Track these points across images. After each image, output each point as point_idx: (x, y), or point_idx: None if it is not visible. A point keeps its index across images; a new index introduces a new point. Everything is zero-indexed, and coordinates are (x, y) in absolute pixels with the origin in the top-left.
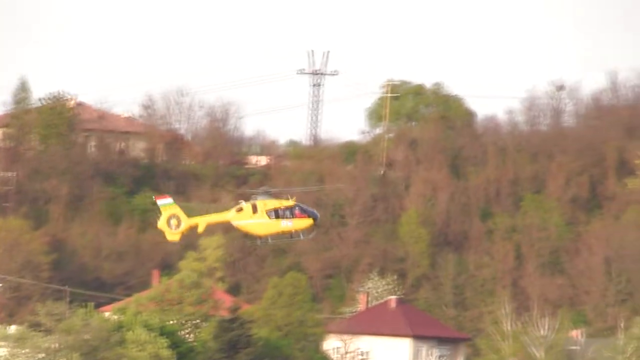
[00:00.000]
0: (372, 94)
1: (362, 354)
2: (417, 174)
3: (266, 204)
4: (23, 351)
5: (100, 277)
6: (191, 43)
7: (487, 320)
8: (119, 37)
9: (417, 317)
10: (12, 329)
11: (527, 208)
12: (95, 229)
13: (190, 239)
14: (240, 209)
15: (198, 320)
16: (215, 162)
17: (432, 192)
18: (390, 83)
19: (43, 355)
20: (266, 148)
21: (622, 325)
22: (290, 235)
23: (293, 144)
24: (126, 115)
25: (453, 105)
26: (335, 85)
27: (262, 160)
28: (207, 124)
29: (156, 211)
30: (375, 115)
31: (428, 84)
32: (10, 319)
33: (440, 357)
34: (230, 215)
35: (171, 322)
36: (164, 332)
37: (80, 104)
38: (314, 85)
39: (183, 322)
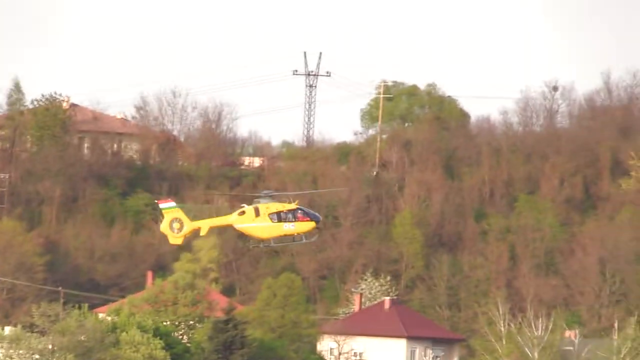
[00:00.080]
0: (365, 95)
1: (356, 355)
2: (411, 174)
3: (268, 207)
4: (18, 352)
5: (94, 278)
6: (184, 44)
7: (482, 320)
8: (113, 38)
9: (411, 317)
10: (7, 330)
11: (522, 209)
12: (89, 230)
13: (185, 240)
14: (243, 212)
15: (192, 322)
16: (208, 163)
17: (426, 193)
18: (384, 84)
19: (38, 356)
20: (260, 149)
21: (616, 325)
22: (292, 238)
23: (287, 145)
24: (120, 116)
25: (447, 106)
26: (328, 87)
27: (256, 162)
28: (200, 125)
29: (149, 212)
30: (369, 116)
31: (422, 84)
32: (4, 320)
33: (434, 357)
34: (232, 219)
35: (165, 323)
36: (158, 333)
37: (74, 106)
38: (307, 86)
39: (177, 323)
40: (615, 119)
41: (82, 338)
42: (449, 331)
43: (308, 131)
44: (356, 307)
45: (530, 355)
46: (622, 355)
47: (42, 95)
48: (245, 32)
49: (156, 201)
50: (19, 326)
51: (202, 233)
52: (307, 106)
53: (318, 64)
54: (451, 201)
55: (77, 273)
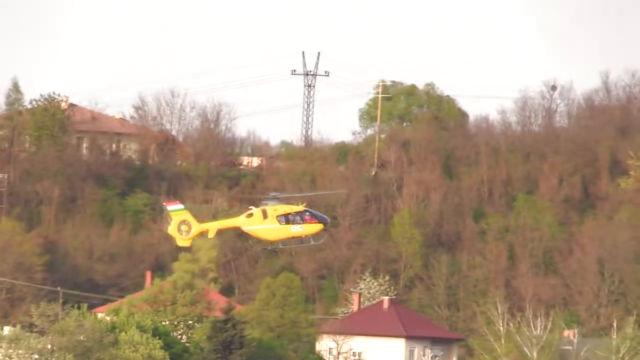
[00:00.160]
0: (364, 94)
1: (355, 355)
2: (409, 174)
3: (276, 209)
4: (17, 352)
5: (93, 278)
6: (183, 44)
7: (480, 320)
8: (111, 38)
9: (410, 317)
10: (6, 330)
11: (520, 208)
12: (88, 230)
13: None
14: (251, 215)
15: (191, 321)
16: (207, 163)
17: (425, 192)
18: (383, 84)
19: (37, 356)
20: (258, 149)
21: (615, 325)
22: (300, 240)
23: (285, 145)
24: (118, 116)
25: (445, 105)
26: (327, 86)
27: (255, 161)
28: (199, 125)
29: (148, 212)
30: (368, 115)
31: (420, 84)
32: (4, 320)
33: (433, 357)
34: (240, 221)
35: (164, 323)
36: (157, 333)
37: (72, 106)
38: (306, 86)
39: (176, 323)
40: (613, 119)
41: (81, 338)
42: (448, 331)
43: (306, 131)
44: (355, 307)
45: (529, 354)
46: (620, 355)
47: (41, 95)
48: (244, 32)
49: (164, 203)
50: (18, 326)
51: (210, 235)
52: (305, 106)
53: (316, 64)
54: (450, 201)
55: (76, 273)
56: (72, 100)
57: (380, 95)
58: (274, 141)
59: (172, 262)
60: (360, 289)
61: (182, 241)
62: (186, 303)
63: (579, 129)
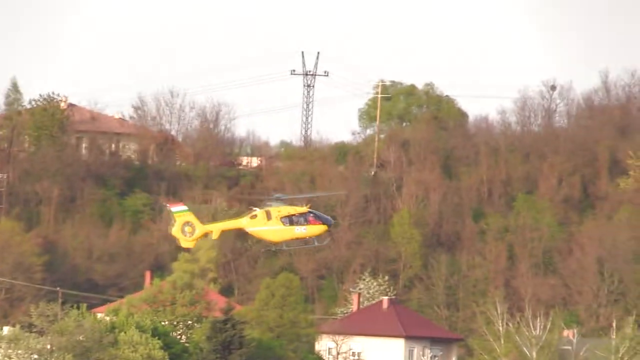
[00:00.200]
0: (363, 94)
1: (354, 355)
2: (409, 174)
3: (280, 210)
4: (16, 352)
5: (93, 278)
6: (182, 44)
7: (480, 320)
8: (111, 38)
9: (409, 317)
10: (6, 330)
11: (520, 208)
12: (87, 230)
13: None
14: (255, 216)
15: (191, 321)
16: (206, 163)
17: (424, 192)
18: (382, 83)
19: (36, 356)
20: (258, 149)
21: (614, 325)
22: (304, 241)
23: (285, 145)
24: (118, 116)
25: (445, 105)
26: (326, 86)
27: (254, 162)
28: (198, 125)
29: (147, 212)
30: (367, 115)
31: (420, 84)
32: (3, 320)
33: (432, 357)
34: (244, 222)
35: (164, 323)
36: (156, 333)
37: (71, 106)
38: (305, 86)
39: (176, 323)
40: (613, 118)
41: (81, 338)
42: (447, 331)
43: (306, 131)
44: (354, 307)
45: (528, 354)
46: (620, 355)
47: (40, 95)
48: (243, 32)
49: (168, 205)
50: (18, 326)
51: (214, 237)
52: (305, 106)
53: (316, 64)
54: (449, 201)
55: (76, 273)
56: (72, 100)
57: (379, 95)
58: (274, 141)
59: (172, 262)
60: (360, 289)
61: (185, 242)
62: (185, 303)
63: (578, 129)
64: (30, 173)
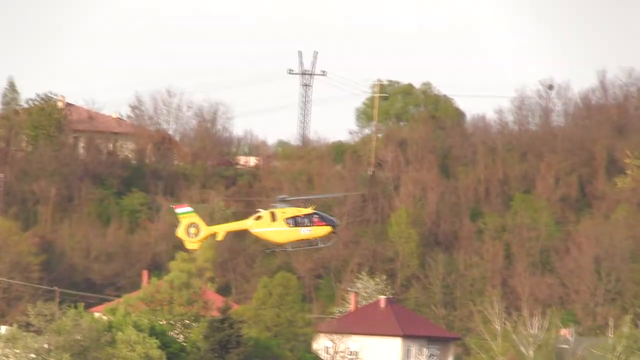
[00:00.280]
0: (361, 94)
1: (352, 354)
2: (406, 174)
3: (285, 211)
4: (14, 351)
5: (90, 277)
6: (179, 44)
7: (477, 319)
8: (108, 38)
9: (407, 316)
10: (3, 329)
11: (517, 207)
12: (85, 229)
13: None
14: (259, 217)
15: (188, 321)
16: (204, 162)
17: (422, 192)
18: (380, 83)
19: (34, 355)
20: (255, 148)
21: (611, 324)
22: (309, 242)
23: (282, 144)
24: (115, 116)
25: (442, 104)
26: (324, 86)
27: (251, 161)
28: (195, 124)
29: (145, 212)
30: (365, 115)
31: (417, 83)
32: (0, 319)
33: (430, 356)
34: (249, 223)
35: (161, 322)
36: (154, 332)
37: (69, 105)
38: (303, 85)
39: (173, 322)
40: (610, 118)
41: (78, 337)
42: (445, 330)
43: (303, 130)
44: (352, 306)
45: (525, 353)
46: (617, 354)
47: (37, 95)
48: (241, 32)
49: (172, 206)
50: (15, 325)
51: (219, 238)
52: (302, 105)
53: (313, 63)
54: (447, 200)
55: (73, 272)
56: (69, 99)
57: (377, 95)
58: (271, 140)
59: (169, 262)
60: (357, 288)
61: (190, 244)
62: (183, 302)
63: (575, 128)
64: (28, 172)
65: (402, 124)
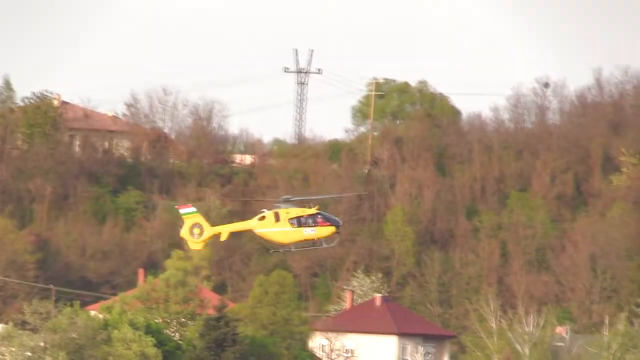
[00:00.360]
0: (357, 92)
1: (347, 352)
2: (402, 172)
3: (288, 212)
4: (10, 349)
5: (86, 276)
6: (175, 42)
7: (473, 317)
8: (104, 36)
9: (402, 314)
10: None
11: (513, 205)
12: (80, 228)
13: (176, 238)
14: (263, 217)
15: (184, 319)
16: (199, 160)
17: (418, 190)
18: (375, 81)
19: (30, 353)
20: (251, 147)
21: (607, 321)
22: (312, 243)
23: (278, 142)
24: (111, 114)
25: (438, 103)
26: (320, 84)
27: (247, 159)
28: (191, 122)
29: (140, 210)
30: (360, 113)
31: (413, 82)
32: None
33: (425, 354)
34: (253, 224)
35: (157, 320)
36: (150, 330)
37: (64, 103)
38: (298, 83)
39: (169, 320)
40: (606, 115)
41: (74, 335)
42: (440, 328)
43: (299, 129)
44: (347, 304)
45: (521, 351)
46: (612, 351)
47: (33, 93)
48: (236, 30)
49: (176, 206)
50: (11, 324)
51: (223, 238)
52: (298, 103)
53: (309, 62)
54: (443, 198)
55: (69, 271)
56: (64, 98)
57: (373, 93)
58: (267, 139)
59: (165, 260)
60: (353, 286)
61: (194, 244)
62: (179, 301)
63: (571, 126)
64: (23, 171)
65: (398, 122)
